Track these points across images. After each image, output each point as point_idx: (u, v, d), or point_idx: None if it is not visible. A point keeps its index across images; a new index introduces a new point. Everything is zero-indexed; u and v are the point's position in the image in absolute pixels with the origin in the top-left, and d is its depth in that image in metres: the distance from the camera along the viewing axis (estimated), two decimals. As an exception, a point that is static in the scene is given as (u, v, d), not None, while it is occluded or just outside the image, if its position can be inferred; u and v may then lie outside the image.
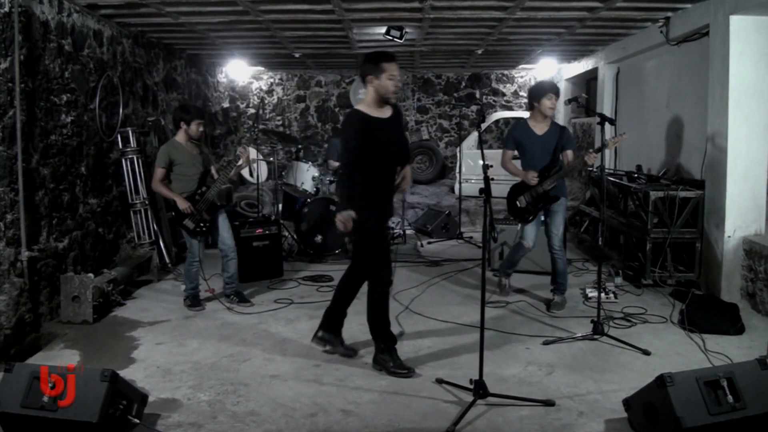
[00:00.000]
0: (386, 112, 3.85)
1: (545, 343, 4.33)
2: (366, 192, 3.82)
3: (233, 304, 5.25)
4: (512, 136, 5.10)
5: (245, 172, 9.54)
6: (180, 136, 5.11)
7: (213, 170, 5.20)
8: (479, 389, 3.34)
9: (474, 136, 10.44)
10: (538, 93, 4.93)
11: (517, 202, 5.05)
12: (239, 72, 10.93)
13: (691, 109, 6.20)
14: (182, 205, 4.95)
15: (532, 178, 4.86)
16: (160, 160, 4.99)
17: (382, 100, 3.79)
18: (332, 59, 9.73)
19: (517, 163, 5.13)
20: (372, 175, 3.83)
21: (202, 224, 5.04)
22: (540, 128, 4.96)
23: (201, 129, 5.07)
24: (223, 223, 5.23)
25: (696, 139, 6.04)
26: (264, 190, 8.48)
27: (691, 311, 4.61)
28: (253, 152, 8.74)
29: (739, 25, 5.08)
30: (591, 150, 4.85)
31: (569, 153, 4.92)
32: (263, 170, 9.54)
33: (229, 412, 3.36)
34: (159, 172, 4.99)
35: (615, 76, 8.39)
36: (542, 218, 5.13)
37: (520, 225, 5.20)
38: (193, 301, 5.25)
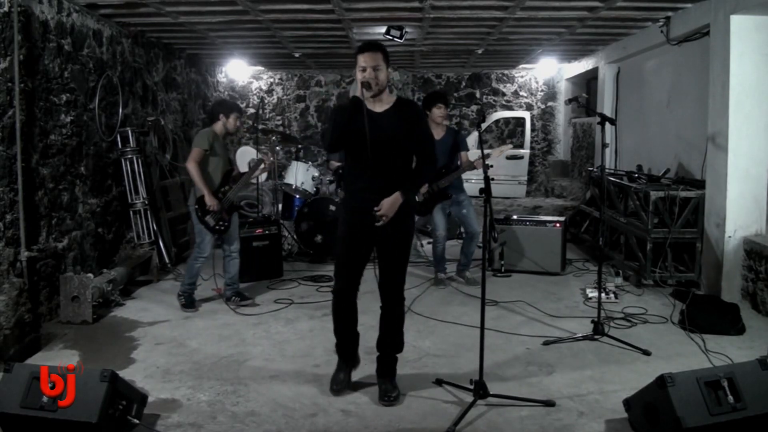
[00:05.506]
0: (381, 106, 3.41)
1: (545, 343, 4.32)
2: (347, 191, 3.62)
3: (236, 305, 5.19)
4: None
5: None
6: (218, 127, 5.03)
7: (236, 170, 5.14)
8: (479, 389, 3.33)
9: (474, 136, 10.42)
10: (428, 103, 5.51)
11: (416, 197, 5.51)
12: (239, 72, 10.92)
13: (692, 109, 6.19)
14: (210, 201, 4.87)
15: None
16: (203, 141, 4.88)
17: (368, 93, 3.33)
18: (332, 59, 9.73)
19: None
20: (351, 170, 3.52)
21: (222, 222, 4.99)
22: (437, 133, 5.34)
23: (238, 123, 5.00)
24: (234, 222, 5.21)
25: (696, 138, 6.03)
26: (264, 190, 8.47)
27: (691, 311, 4.60)
28: (252, 152, 8.74)
29: (740, 24, 5.08)
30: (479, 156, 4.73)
31: (463, 154, 5.61)
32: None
33: (228, 413, 3.35)
34: (198, 151, 4.86)
35: (615, 76, 8.39)
36: (448, 211, 5.83)
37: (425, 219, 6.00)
38: (188, 300, 5.14)
